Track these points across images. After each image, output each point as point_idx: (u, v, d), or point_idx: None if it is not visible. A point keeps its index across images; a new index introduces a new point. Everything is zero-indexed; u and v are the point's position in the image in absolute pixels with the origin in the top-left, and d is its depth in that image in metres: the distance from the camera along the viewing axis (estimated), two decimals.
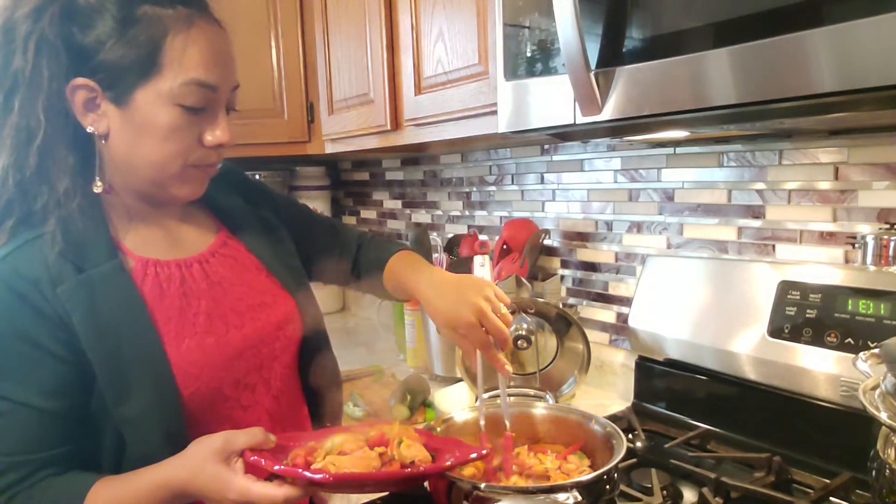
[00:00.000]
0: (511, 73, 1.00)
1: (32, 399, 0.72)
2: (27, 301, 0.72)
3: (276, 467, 0.69)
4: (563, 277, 1.56)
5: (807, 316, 1.03)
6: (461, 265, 1.59)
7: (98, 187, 0.80)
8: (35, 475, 0.73)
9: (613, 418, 1.16)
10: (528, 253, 1.49)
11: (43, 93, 0.74)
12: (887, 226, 0.98)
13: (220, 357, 0.82)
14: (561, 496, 0.76)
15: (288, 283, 0.95)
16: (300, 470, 0.69)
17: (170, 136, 0.78)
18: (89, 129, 0.78)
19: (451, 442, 0.84)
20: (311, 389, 0.97)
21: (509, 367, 0.86)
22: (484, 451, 0.79)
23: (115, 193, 0.83)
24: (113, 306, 0.76)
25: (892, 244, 0.96)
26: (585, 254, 1.51)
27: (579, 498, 0.76)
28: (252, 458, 0.70)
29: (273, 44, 1.84)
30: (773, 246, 1.17)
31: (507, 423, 0.92)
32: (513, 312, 1.30)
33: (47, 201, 0.76)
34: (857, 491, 0.93)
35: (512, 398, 1.09)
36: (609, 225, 1.45)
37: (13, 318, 0.72)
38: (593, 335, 1.46)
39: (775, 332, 1.07)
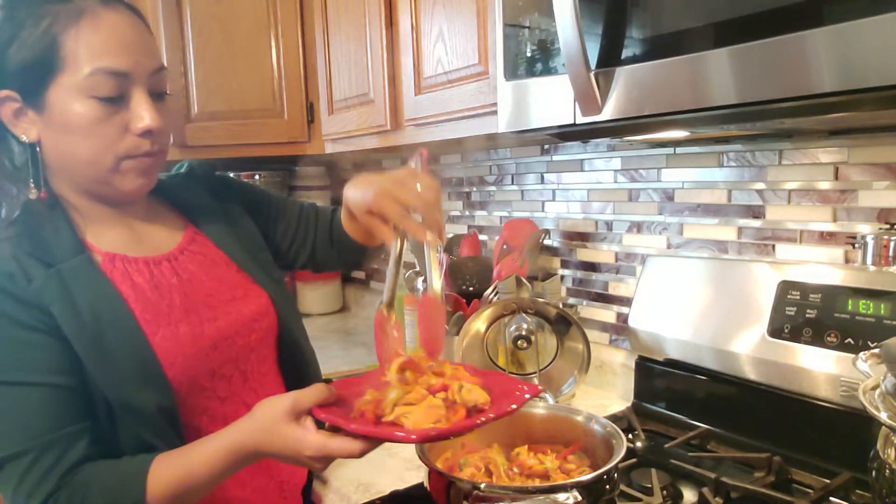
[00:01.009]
0: (511, 73, 1.00)
1: (44, 377, 0.73)
2: (6, 291, 0.74)
3: (355, 427, 0.68)
4: (563, 277, 1.56)
5: (807, 316, 1.03)
6: (461, 265, 1.59)
7: (33, 193, 0.80)
8: (71, 452, 0.73)
9: (613, 418, 1.16)
10: (528, 253, 1.49)
11: None
12: (887, 226, 0.98)
13: (195, 347, 0.83)
14: (561, 496, 0.76)
15: (259, 278, 0.95)
16: (395, 431, 0.67)
17: (92, 130, 0.77)
18: (22, 138, 0.79)
19: (496, 377, 0.80)
20: (293, 382, 0.97)
21: (430, 236, 0.77)
22: (526, 393, 0.76)
23: (69, 197, 0.83)
24: (89, 296, 0.77)
25: (892, 244, 0.96)
26: (585, 254, 1.51)
27: (579, 498, 0.76)
28: (322, 415, 0.70)
29: (273, 44, 1.84)
30: (773, 246, 1.17)
31: (435, 288, 0.81)
32: (513, 312, 1.31)
33: (6, 209, 0.78)
34: (857, 491, 0.93)
35: None
36: (609, 225, 1.45)
37: (1, 310, 0.73)
38: (593, 335, 1.46)
39: (775, 332, 1.07)
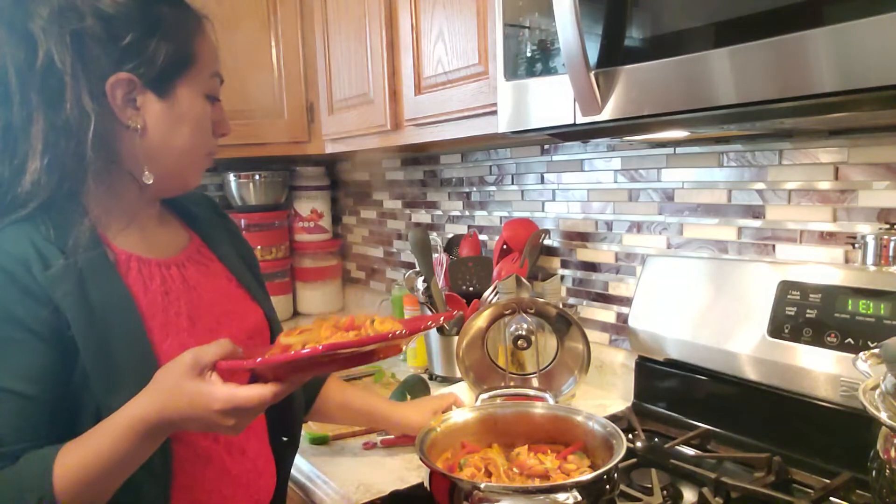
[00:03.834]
0: (511, 73, 1.00)
1: (17, 384, 0.70)
2: (14, 279, 0.71)
3: (259, 360, 0.66)
4: (563, 277, 1.56)
5: (807, 316, 1.03)
6: (461, 265, 1.59)
7: (149, 178, 0.82)
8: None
9: (613, 418, 1.16)
10: (528, 253, 1.49)
11: (86, 89, 0.75)
12: (887, 226, 0.98)
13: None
14: (561, 496, 0.76)
15: (255, 294, 0.97)
16: (299, 351, 0.65)
17: (199, 124, 0.84)
18: (129, 124, 0.79)
19: (417, 318, 0.87)
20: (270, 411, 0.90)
21: None
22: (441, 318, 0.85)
23: (99, 192, 0.81)
24: (102, 296, 0.75)
25: (892, 244, 0.96)
26: (585, 254, 1.51)
27: (579, 498, 0.76)
28: (227, 366, 0.67)
29: (273, 44, 1.84)
30: (773, 246, 1.17)
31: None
32: (513, 312, 1.31)
33: (31, 190, 0.75)
34: (857, 491, 0.93)
35: (512, 398, 1.09)
36: (609, 225, 1.45)
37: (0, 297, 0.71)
38: (593, 335, 1.46)
39: (775, 332, 1.07)
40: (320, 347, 0.65)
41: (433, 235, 1.89)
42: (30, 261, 0.72)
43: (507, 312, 1.31)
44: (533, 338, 1.28)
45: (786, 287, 1.07)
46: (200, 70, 0.83)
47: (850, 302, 0.99)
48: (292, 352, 0.67)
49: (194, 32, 0.83)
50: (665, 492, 0.96)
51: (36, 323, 0.71)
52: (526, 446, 0.96)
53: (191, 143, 0.84)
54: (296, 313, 2.43)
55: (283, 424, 0.98)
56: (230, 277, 0.95)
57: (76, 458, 0.69)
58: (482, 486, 0.79)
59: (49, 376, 0.72)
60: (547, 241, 1.58)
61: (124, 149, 0.81)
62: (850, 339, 0.97)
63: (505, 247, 1.55)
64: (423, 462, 0.85)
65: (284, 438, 0.98)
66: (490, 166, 1.77)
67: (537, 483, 0.87)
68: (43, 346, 0.71)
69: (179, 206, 0.96)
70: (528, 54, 0.97)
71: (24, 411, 0.70)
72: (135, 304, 0.78)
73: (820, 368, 1.00)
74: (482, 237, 1.79)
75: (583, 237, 1.51)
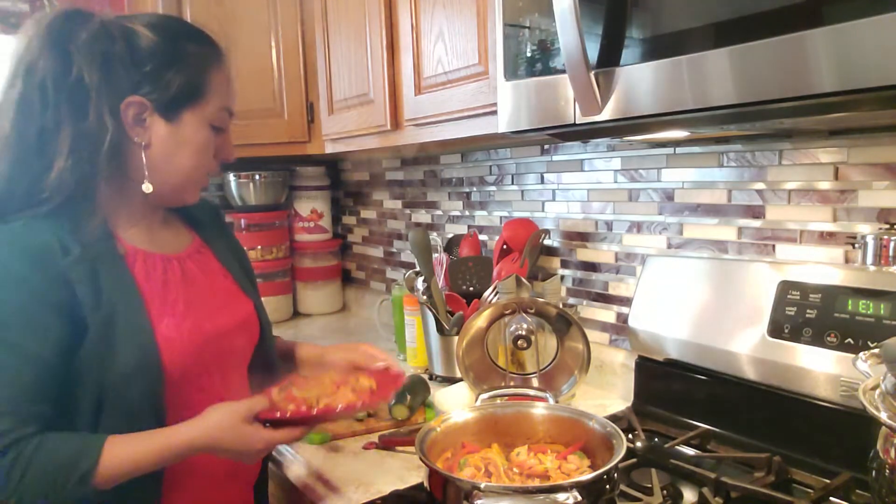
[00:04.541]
0: (511, 73, 1.00)
1: (43, 350, 0.80)
2: (40, 264, 0.82)
3: (288, 414, 0.89)
4: (563, 277, 1.56)
5: (807, 316, 1.03)
6: (461, 265, 1.59)
7: (148, 188, 0.93)
8: (25, 426, 0.79)
9: (613, 418, 1.16)
10: (528, 253, 1.49)
11: (107, 104, 0.86)
12: (887, 226, 0.98)
13: (192, 340, 0.93)
14: (561, 496, 0.76)
15: (248, 291, 1.09)
16: (330, 409, 0.91)
17: (200, 150, 0.96)
18: (136, 139, 0.91)
19: (385, 375, 1.03)
20: (256, 386, 1.06)
21: None
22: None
23: (111, 193, 0.93)
24: (110, 281, 0.87)
25: (892, 244, 0.96)
26: (585, 254, 1.51)
27: (579, 498, 0.76)
28: (264, 415, 0.88)
29: (273, 44, 1.84)
30: (773, 246, 1.17)
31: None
32: (513, 312, 1.31)
33: (53, 187, 0.85)
34: (857, 491, 0.93)
35: (512, 398, 1.09)
36: (609, 225, 1.45)
37: (27, 277, 0.81)
38: (593, 335, 1.46)
39: (775, 332, 1.07)
40: (338, 408, 0.90)
41: (433, 235, 1.89)
42: (52, 249, 0.83)
43: (507, 312, 1.31)
44: (533, 338, 1.28)
45: (786, 287, 1.07)
46: (209, 102, 0.94)
47: (850, 302, 0.99)
48: (308, 408, 0.90)
49: (209, 69, 0.94)
50: (665, 492, 0.96)
51: (56, 301, 0.82)
52: (526, 446, 0.96)
53: (190, 164, 0.95)
54: (296, 313, 2.43)
55: None
56: (226, 275, 1.06)
57: (125, 452, 0.81)
58: (482, 486, 0.79)
59: (65, 348, 0.82)
60: (547, 241, 1.58)
61: (132, 160, 0.92)
62: (850, 339, 0.97)
63: (505, 247, 1.55)
64: (423, 462, 0.85)
65: (267, 424, 1.05)
66: (490, 166, 1.77)
67: (537, 483, 0.87)
68: (61, 321, 0.82)
69: (184, 210, 1.07)
70: (528, 54, 0.97)
71: (42, 375, 0.81)
72: (137, 289, 0.90)
73: (820, 368, 1.00)
74: (482, 237, 1.79)
75: (583, 237, 1.51)
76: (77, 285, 0.83)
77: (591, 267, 1.50)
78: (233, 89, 0.99)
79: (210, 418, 0.85)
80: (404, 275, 1.63)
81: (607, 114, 0.86)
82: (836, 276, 1.02)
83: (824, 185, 1.09)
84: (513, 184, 1.69)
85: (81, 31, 0.86)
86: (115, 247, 0.90)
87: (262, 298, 1.16)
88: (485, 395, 1.11)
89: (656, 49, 0.79)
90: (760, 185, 1.17)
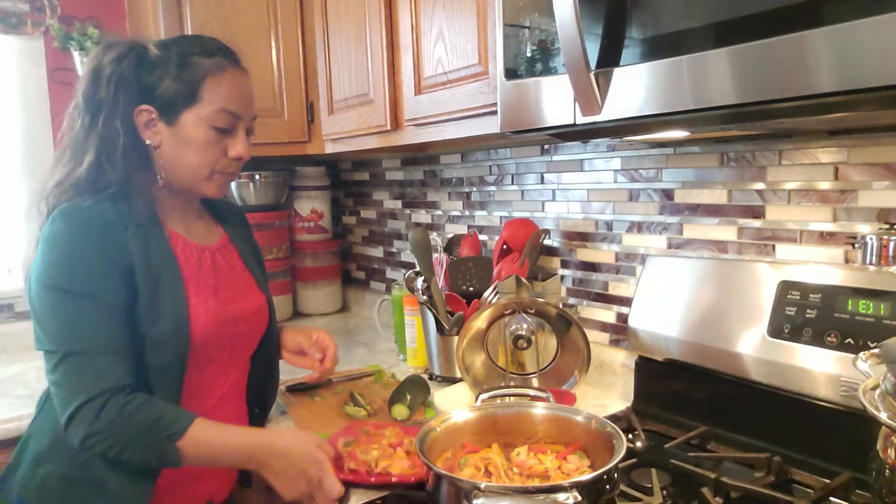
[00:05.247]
0: (511, 73, 1.00)
1: (114, 298, 0.97)
2: (107, 235, 0.99)
3: (375, 479, 1.03)
4: (563, 277, 1.56)
5: (807, 316, 1.03)
6: (461, 265, 1.59)
7: (161, 180, 1.08)
8: (128, 379, 0.95)
9: (613, 418, 1.16)
10: (528, 253, 1.49)
11: (119, 114, 1.03)
12: (887, 226, 0.98)
13: (216, 317, 1.08)
14: (561, 496, 0.76)
15: (263, 287, 1.24)
16: (390, 478, 1.03)
17: (203, 148, 1.06)
18: (147, 142, 1.06)
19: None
20: (256, 373, 1.23)
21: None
22: None
23: (162, 186, 1.10)
24: (158, 257, 1.03)
25: (892, 244, 0.96)
26: (585, 254, 1.51)
27: (579, 498, 0.76)
28: (333, 462, 1.00)
29: (273, 44, 1.84)
30: (773, 246, 1.17)
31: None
32: (513, 312, 1.31)
33: (115, 181, 1.02)
34: (857, 491, 0.93)
35: (512, 398, 1.09)
36: (609, 225, 1.45)
37: (100, 244, 0.98)
38: (593, 335, 1.46)
39: (775, 332, 1.07)
40: (392, 480, 1.02)
41: (433, 235, 1.89)
42: (115, 224, 1.00)
43: (507, 312, 1.31)
44: (533, 338, 1.28)
45: (786, 287, 1.07)
46: (204, 105, 1.05)
47: (850, 302, 0.99)
48: (367, 472, 1.04)
49: (206, 76, 1.05)
50: (665, 492, 0.96)
51: (121, 265, 0.99)
52: (526, 446, 0.96)
53: (195, 161, 1.07)
54: (296, 313, 2.43)
55: (259, 397, 1.25)
56: (245, 270, 1.21)
57: (207, 435, 0.97)
58: (482, 486, 0.79)
59: (129, 305, 0.99)
60: (547, 241, 1.58)
61: (154, 160, 1.08)
62: (850, 339, 0.97)
63: (505, 247, 1.55)
64: (423, 462, 0.85)
65: (257, 410, 1.25)
66: (490, 166, 1.77)
67: (537, 483, 0.87)
68: (125, 282, 0.99)
69: (215, 210, 1.24)
70: (528, 54, 0.97)
71: (115, 318, 0.97)
72: (178, 267, 1.06)
73: (820, 368, 1.00)
74: (482, 237, 1.79)
75: (583, 237, 1.51)
76: (134, 254, 0.99)
77: (591, 267, 1.50)
78: (236, 94, 1.08)
79: (291, 436, 1.03)
80: (404, 275, 1.63)
81: (607, 114, 0.86)
82: (836, 276, 1.02)
83: (824, 185, 1.09)
84: (513, 184, 1.69)
85: (106, 56, 1.03)
86: (163, 231, 1.07)
87: None
88: (485, 395, 1.11)
89: (656, 49, 0.80)
90: (760, 185, 1.17)
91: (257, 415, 1.25)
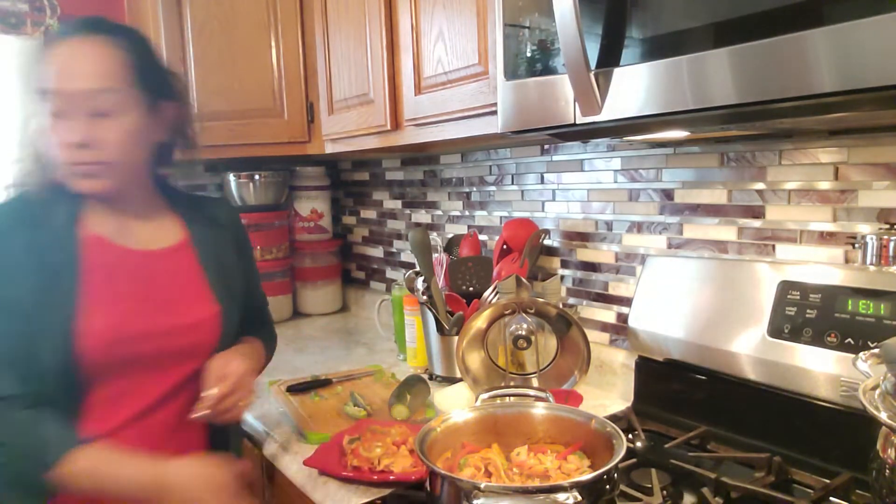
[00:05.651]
0: (511, 73, 1.00)
1: (8, 305, 0.92)
2: (6, 234, 0.95)
3: (377, 477, 1.03)
4: (563, 277, 1.56)
5: (807, 316, 1.03)
6: (461, 265, 1.59)
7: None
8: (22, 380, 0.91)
9: (613, 418, 1.16)
10: (528, 253, 1.49)
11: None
12: (887, 226, 0.98)
13: (122, 329, 0.97)
14: (561, 496, 0.76)
15: (221, 298, 1.10)
16: (388, 476, 1.04)
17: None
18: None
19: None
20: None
21: None
22: None
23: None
24: (56, 261, 0.96)
25: (892, 244, 0.96)
26: (585, 254, 1.51)
27: (579, 498, 0.76)
28: (344, 473, 1.05)
29: (273, 44, 1.84)
30: (773, 246, 1.17)
31: None
32: (513, 312, 1.31)
33: (38, 179, 0.99)
34: (857, 491, 0.93)
35: (512, 398, 1.09)
36: (609, 225, 1.45)
37: (6, 243, 0.94)
38: (593, 335, 1.46)
39: (775, 332, 1.07)
40: (390, 478, 1.03)
41: (433, 235, 1.89)
42: (20, 224, 0.95)
43: (507, 312, 1.31)
44: (533, 338, 1.28)
45: (786, 287, 1.07)
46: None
47: (850, 302, 0.99)
48: (370, 470, 1.06)
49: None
50: (665, 492, 0.96)
51: (12, 268, 0.94)
52: (526, 446, 0.96)
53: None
54: (296, 313, 2.43)
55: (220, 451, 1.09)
56: (197, 277, 1.09)
57: (94, 465, 0.89)
58: (482, 486, 0.79)
59: (18, 304, 0.94)
60: (547, 241, 1.58)
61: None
62: (850, 339, 0.97)
63: (505, 247, 1.55)
64: (423, 462, 0.85)
65: (214, 431, 1.10)
66: (490, 166, 1.77)
67: (537, 483, 0.87)
68: (16, 285, 0.94)
69: (186, 212, 1.13)
70: (528, 54, 0.97)
71: (5, 321, 0.92)
72: (76, 273, 0.96)
73: (820, 368, 1.00)
74: (482, 237, 1.79)
75: (583, 237, 1.51)
76: (29, 257, 0.94)
77: (591, 267, 1.50)
78: (56, 69, 0.95)
79: (186, 461, 0.93)
80: (404, 275, 1.63)
81: (607, 114, 0.86)
82: (836, 276, 1.02)
83: (824, 185, 1.09)
84: (513, 184, 1.69)
85: None
86: (74, 232, 0.98)
87: None
88: (485, 395, 1.11)
89: (656, 49, 0.79)
90: (760, 185, 1.17)
91: (218, 436, 1.10)
